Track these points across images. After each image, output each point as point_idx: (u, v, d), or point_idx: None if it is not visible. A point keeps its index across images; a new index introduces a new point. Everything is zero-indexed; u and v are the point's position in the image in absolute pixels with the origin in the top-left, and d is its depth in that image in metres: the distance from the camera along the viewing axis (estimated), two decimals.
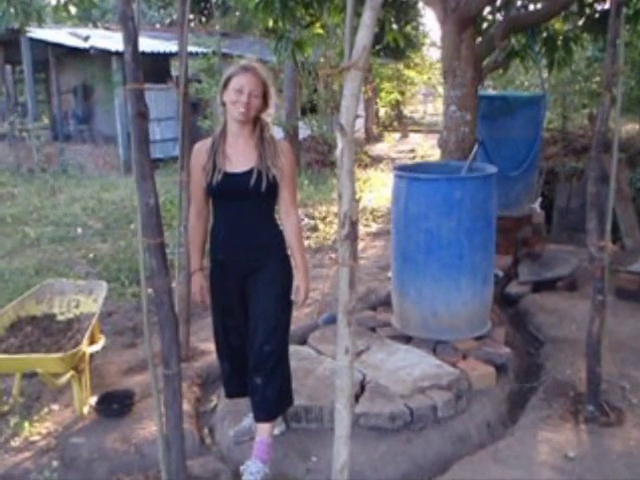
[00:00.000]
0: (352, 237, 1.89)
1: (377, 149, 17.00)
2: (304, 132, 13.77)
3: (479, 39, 4.96)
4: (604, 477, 2.72)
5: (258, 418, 2.82)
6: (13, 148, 15.42)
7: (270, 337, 2.74)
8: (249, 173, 2.69)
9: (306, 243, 6.90)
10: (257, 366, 2.75)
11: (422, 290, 3.92)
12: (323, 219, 8.22)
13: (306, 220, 8.03)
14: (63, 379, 3.25)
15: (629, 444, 2.95)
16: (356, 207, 1.93)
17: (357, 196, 1.96)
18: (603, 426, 3.11)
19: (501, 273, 5.09)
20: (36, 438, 3.21)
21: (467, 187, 3.83)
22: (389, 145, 18.23)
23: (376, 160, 14.57)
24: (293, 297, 2.84)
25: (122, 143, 13.85)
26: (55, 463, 2.98)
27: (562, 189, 7.44)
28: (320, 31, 7.17)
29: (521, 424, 3.24)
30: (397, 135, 20.26)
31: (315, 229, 7.76)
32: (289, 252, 2.87)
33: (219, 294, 2.86)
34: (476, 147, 4.46)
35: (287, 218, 2.82)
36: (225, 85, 2.68)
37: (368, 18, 1.79)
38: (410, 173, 4.09)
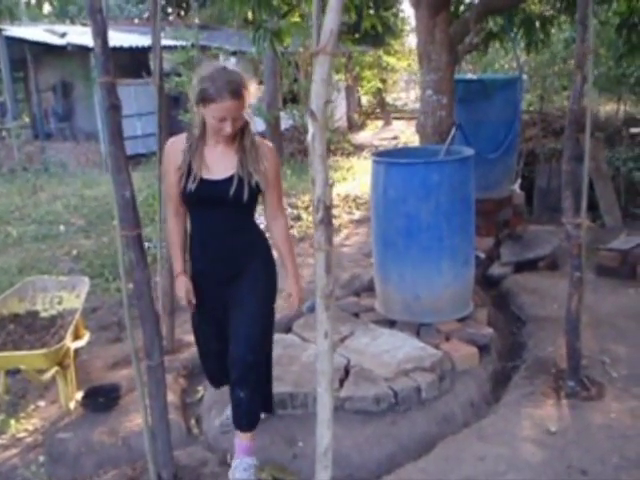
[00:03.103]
0: (326, 221, 1.90)
1: (360, 137, 16.98)
2: (286, 122, 13.73)
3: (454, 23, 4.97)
4: (585, 449, 2.77)
5: (241, 428, 2.70)
6: None
7: (254, 346, 2.61)
8: (229, 180, 2.52)
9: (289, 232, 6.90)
10: (240, 378, 2.61)
11: (404, 274, 3.95)
12: (306, 208, 8.22)
13: (289, 210, 8.04)
14: (47, 375, 3.25)
15: (609, 417, 3.01)
16: (329, 191, 1.94)
17: (330, 181, 1.97)
18: (584, 400, 3.16)
19: (483, 255, 5.13)
20: (23, 435, 3.22)
21: (445, 170, 3.86)
22: (372, 133, 18.22)
23: (359, 148, 14.56)
24: (286, 305, 2.80)
25: (103, 140, 13.74)
26: (42, 458, 2.99)
27: (542, 170, 7.49)
28: (298, 20, 7.16)
29: (504, 402, 3.28)
30: (380, 123, 20.25)
31: (298, 218, 7.77)
32: (275, 254, 2.76)
33: (199, 301, 2.72)
34: (454, 130, 4.48)
35: (275, 223, 2.70)
36: (202, 101, 2.43)
37: (335, 2, 1.80)
38: (388, 158, 4.11)
